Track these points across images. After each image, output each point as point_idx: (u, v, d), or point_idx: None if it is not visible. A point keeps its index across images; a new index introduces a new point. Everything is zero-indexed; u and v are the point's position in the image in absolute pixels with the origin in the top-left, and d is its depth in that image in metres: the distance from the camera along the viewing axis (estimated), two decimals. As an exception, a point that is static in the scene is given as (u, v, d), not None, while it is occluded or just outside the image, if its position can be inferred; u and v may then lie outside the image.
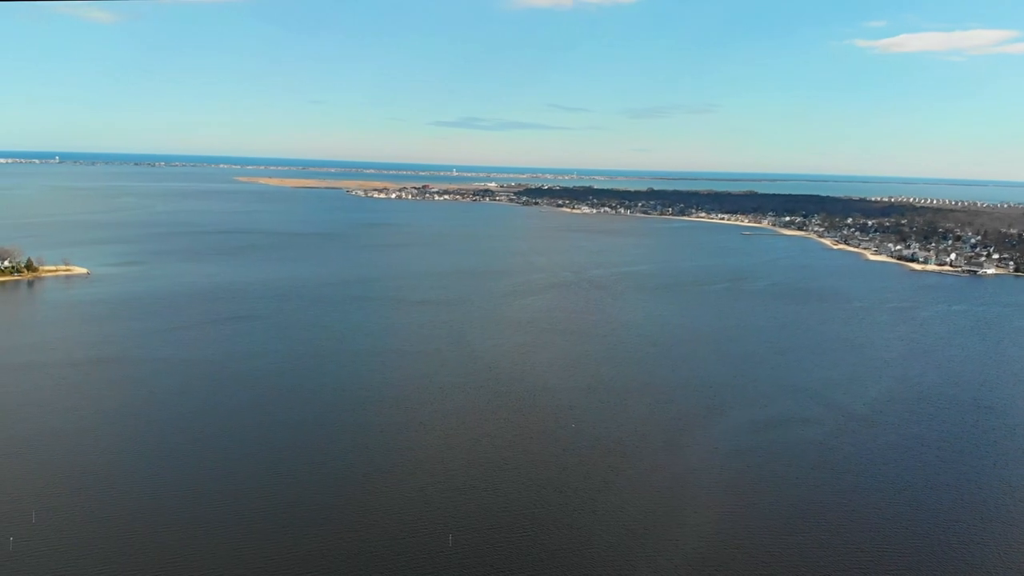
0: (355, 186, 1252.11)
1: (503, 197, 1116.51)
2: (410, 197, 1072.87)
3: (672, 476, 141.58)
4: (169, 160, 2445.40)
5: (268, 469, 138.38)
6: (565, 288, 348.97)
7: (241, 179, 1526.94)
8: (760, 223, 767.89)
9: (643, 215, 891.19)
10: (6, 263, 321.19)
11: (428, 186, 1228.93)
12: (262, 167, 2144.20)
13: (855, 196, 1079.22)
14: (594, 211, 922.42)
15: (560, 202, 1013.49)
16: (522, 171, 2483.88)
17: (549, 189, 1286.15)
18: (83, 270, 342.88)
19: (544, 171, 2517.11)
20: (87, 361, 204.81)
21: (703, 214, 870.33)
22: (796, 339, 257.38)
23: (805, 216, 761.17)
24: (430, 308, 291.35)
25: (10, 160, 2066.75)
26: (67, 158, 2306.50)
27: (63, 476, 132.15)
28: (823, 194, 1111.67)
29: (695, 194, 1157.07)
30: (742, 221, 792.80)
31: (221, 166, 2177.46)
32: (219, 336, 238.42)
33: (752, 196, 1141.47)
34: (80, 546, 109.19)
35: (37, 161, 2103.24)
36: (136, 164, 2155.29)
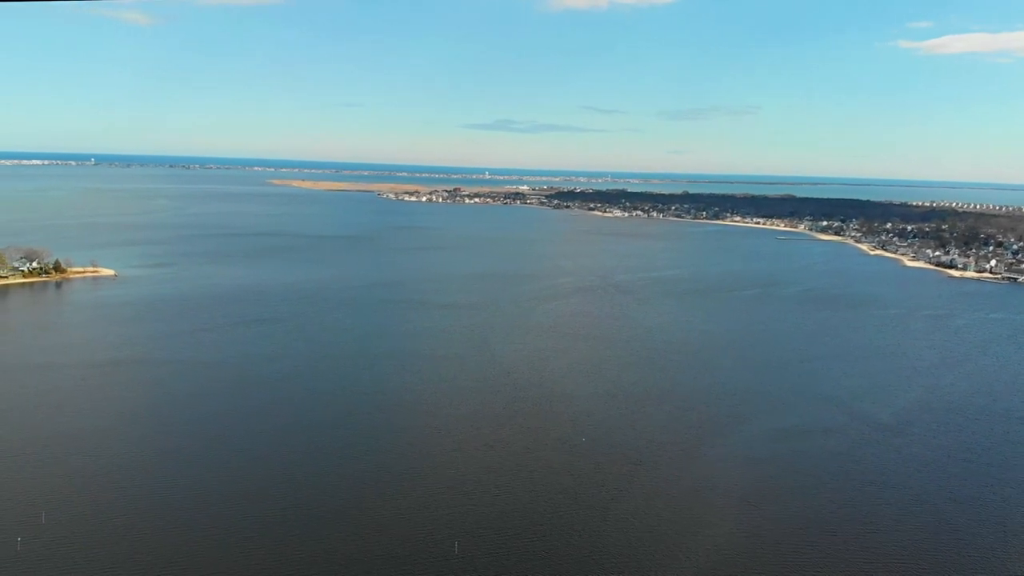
0: (386, 189, 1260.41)
1: (534, 200, 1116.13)
2: (441, 200, 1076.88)
3: (688, 486, 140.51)
4: (203, 163, 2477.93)
5: (279, 472, 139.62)
6: (590, 293, 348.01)
7: (274, 182, 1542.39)
8: (796, 228, 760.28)
9: (676, 219, 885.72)
10: (34, 264, 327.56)
11: (459, 189, 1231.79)
12: (296, 170, 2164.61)
13: (896, 201, 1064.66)
14: (626, 215, 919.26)
15: (592, 205, 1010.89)
16: (555, 174, 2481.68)
17: (581, 192, 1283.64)
18: (110, 271, 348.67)
19: (577, 174, 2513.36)
20: (108, 362, 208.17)
21: (738, 218, 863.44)
22: (825, 346, 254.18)
23: (843, 221, 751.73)
24: (453, 312, 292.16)
25: (46, 162, 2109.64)
26: (102, 160, 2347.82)
27: (76, 477, 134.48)
28: (863, 198, 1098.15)
29: (731, 198, 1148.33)
30: (778, 226, 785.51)
31: (255, 169, 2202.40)
32: (240, 338, 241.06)
33: (789, 200, 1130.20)
34: (88, 548, 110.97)
35: (73, 163, 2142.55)
36: (171, 166, 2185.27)
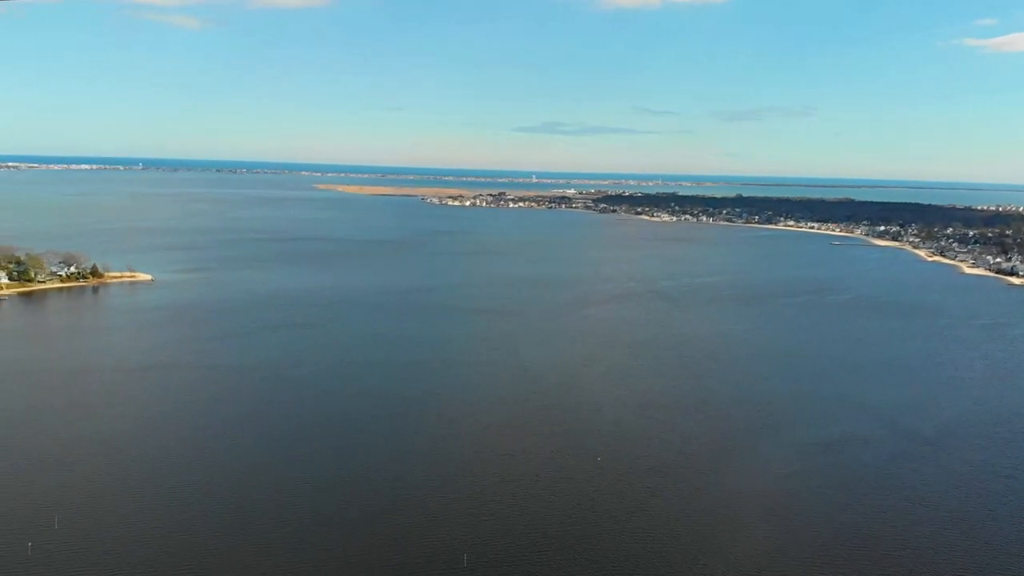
0: (431, 193, 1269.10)
1: (579, 204, 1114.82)
2: (485, 204, 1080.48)
3: (713, 499, 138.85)
4: (251, 167, 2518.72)
5: (296, 479, 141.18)
6: (630, 299, 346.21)
7: (320, 186, 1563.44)
8: (852, 232, 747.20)
9: (727, 223, 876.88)
10: (72, 269, 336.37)
11: (504, 193, 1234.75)
12: (342, 174, 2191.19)
13: (959, 204, 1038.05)
14: (674, 219, 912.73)
15: (639, 209, 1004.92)
16: (604, 177, 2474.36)
17: (630, 196, 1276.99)
18: (147, 276, 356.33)
19: (627, 177, 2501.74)
20: (137, 367, 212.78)
21: (791, 222, 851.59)
22: (871, 356, 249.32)
23: (902, 226, 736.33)
24: (486, 317, 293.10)
25: (94, 167, 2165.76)
26: (150, 164, 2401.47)
27: (93, 482, 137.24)
28: (924, 202, 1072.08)
29: (786, 201, 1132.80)
30: (833, 230, 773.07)
31: (302, 173, 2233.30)
32: (270, 344, 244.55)
33: (847, 204, 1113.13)
34: (100, 554, 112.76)
35: (121, 168, 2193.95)
36: (218, 171, 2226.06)
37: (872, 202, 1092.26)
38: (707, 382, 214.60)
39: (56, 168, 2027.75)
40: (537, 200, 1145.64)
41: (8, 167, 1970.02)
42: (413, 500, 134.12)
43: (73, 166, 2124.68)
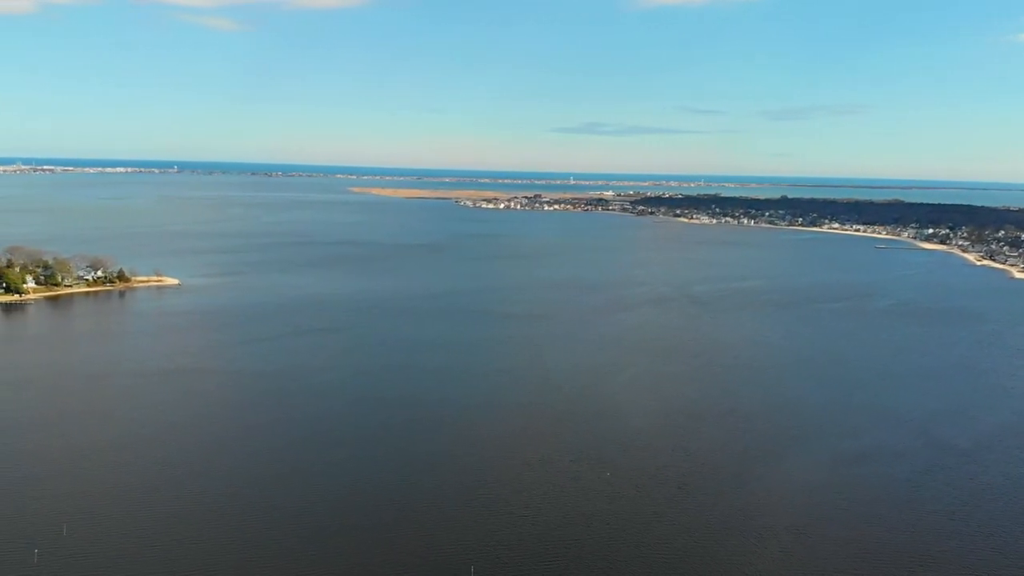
0: (465, 196, 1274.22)
1: (616, 206, 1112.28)
2: (519, 207, 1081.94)
3: (734, 511, 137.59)
4: (286, 170, 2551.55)
5: (310, 487, 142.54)
6: (662, 304, 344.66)
7: (354, 189, 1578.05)
8: (899, 236, 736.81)
9: (769, 226, 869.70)
10: (98, 273, 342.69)
11: (539, 195, 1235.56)
12: (377, 177, 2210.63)
13: (1013, 206, 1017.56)
14: (714, 221, 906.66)
15: (678, 211, 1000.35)
16: (644, 178, 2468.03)
17: (669, 198, 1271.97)
18: (174, 281, 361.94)
19: (668, 178, 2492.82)
20: (158, 372, 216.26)
21: (836, 225, 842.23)
22: (910, 364, 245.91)
23: (951, 228, 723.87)
24: (513, 322, 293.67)
25: (129, 170, 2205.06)
26: (185, 167, 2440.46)
27: (105, 489, 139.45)
28: (976, 204, 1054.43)
29: (832, 203, 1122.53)
30: (879, 233, 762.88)
31: (337, 176, 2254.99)
32: (294, 349, 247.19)
33: (896, 206, 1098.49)
34: (108, 563, 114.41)
35: (156, 171, 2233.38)
36: (252, 174, 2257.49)
37: (922, 204, 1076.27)
38: (736, 390, 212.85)
39: (91, 171, 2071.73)
40: (573, 202, 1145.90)
41: (44, 170, 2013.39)
42: (424, 509, 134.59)
43: (108, 169, 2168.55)
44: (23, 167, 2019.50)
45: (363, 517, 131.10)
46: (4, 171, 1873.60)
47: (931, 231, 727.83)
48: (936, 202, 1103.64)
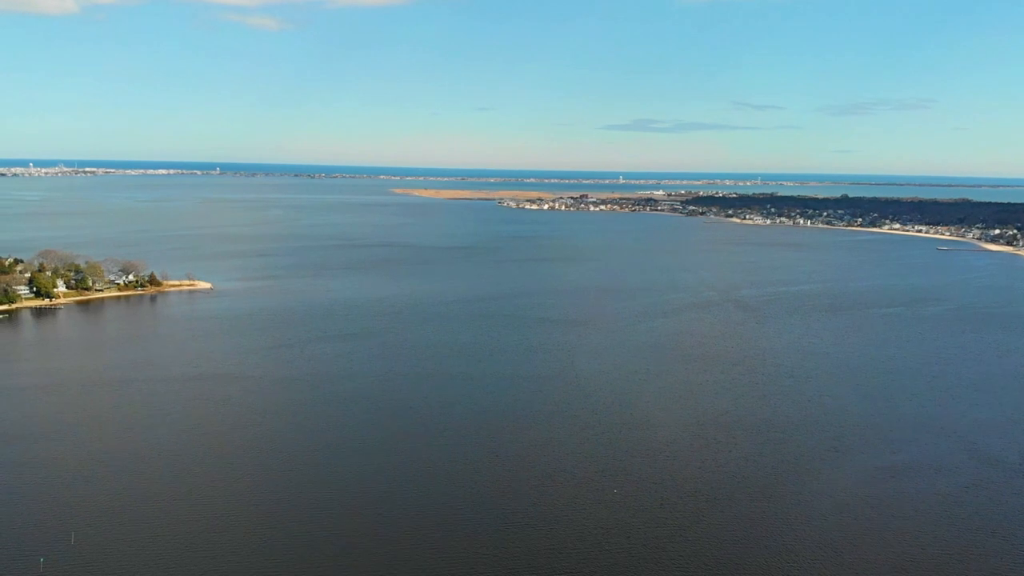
0: (508, 197, 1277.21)
1: (665, 207, 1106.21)
2: (564, 208, 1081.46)
3: (762, 526, 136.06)
4: (329, 171, 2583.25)
5: (318, 499, 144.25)
6: (705, 309, 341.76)
7: (396, 191, 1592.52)
8: (963, 237, 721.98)
9: (826, 226, 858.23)
10: (130, 277, 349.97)
11: (586, 195, 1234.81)
12: (421, 178, 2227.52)
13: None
14: (767, 222, 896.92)
15: (730, 212, 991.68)
16: (697, 177, 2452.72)
17: (722, 197, 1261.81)
18: (207, 284, 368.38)
19: (723, 176, 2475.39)
20: (182, 378, 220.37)
21: (897, 226, 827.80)
22: (962, 373, 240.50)
23: (1019, 229, 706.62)
24: (548, 328, 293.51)
25: (172, 171, 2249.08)
26: (228, 169, 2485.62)
27: (115, 498, 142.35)
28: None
29: (894, 202, 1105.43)
30: (942, 234, 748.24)
31: (380, 177, 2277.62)
32: (321, 354, 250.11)
33: (961, 205, 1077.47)
34: (113, 571, 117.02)
35: (199, 172, 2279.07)
36: (296, 176, 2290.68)
37: (989, 203, 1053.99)
38: (775, 400, 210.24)
39: (132, 173, 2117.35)
40: (620, 203, 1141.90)
41: (85, 172, 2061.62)
42: (436, 522, 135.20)
43: (150, 171, 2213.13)
44: (65, 169, 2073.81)
45: (376, 528, 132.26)
46: (46, 173, 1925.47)
47: (997, 232, 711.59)
48: (1005, 201, 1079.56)
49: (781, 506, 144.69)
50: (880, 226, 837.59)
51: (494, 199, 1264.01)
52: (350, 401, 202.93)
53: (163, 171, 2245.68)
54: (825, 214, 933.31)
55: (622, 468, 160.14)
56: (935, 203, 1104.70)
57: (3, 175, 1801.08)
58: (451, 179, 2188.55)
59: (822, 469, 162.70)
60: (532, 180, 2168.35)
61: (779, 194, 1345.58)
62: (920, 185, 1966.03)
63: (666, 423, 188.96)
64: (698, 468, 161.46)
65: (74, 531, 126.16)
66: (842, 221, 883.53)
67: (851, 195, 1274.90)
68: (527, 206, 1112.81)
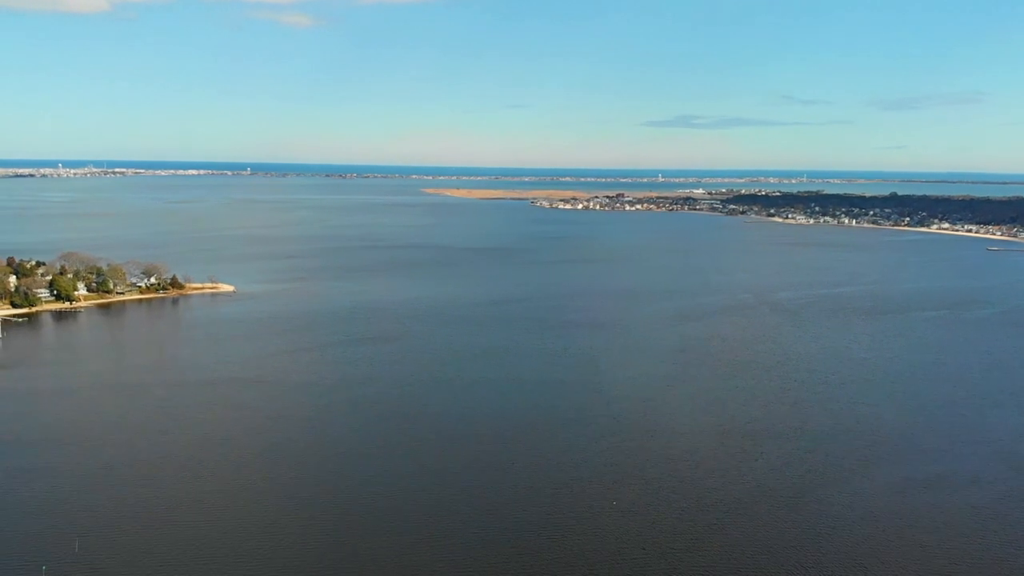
0: (542, 196, 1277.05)
1: (704, 206, 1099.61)
2: (599, 207, 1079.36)
3: (782, 539, 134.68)
4: (361, 171, 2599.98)
5: (326, 509, 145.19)
6: (739, 312, 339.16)
7: (428, 191, 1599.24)
8: (1015, 236, 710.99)
9: (872, 226, 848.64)
10: (151, 280, 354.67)
11: (622, 194, 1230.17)
12: (453, 177, 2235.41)
13: None
14: (811, 221, 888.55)
15: (772, 210, 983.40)
16: (741, 174, 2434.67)
17: (764, 195, 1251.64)
18: (229, 287, 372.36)
19: (767, 173, 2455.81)
20: (198, 383, 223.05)
21: (946, 225, 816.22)
22: (1005, 380, 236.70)
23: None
24: (573, 331, 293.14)
25: (202, 172, 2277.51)
26: (259, 169, 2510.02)
27: (122, 507, 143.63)
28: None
29: (945, 200, 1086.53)
30: (993, 234, 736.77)
31: (412, 177, 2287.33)
32: (340, 359, 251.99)
33: (1015, 203, 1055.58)
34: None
35: (229, 173, 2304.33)
36: (327, 176, 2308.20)
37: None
38: (806, 408, 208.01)
39: (162, 174, 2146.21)
40: (657, 202, 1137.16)
41: (115, 173, 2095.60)
42: (447, 533, 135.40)
43: (180, 171, 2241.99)
44: (94, 170, 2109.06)
45: (388, 537, 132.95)
46: (75, 174, 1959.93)
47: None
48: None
49: (805, 518, 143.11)
50: (928, 226, 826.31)
51: (527, 199, 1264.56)
52: (366, 407, 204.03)
53: (193, 172, 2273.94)
54: (871, 213, 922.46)
55: (639, 476, 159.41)
56: (987, 201, 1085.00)
57: (32, 176, 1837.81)
58: (484, 178, 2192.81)
59: (851, 480, 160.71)
60: (568, 179, 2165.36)
61: (825, 192, 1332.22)
62: (973, 182, 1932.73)
63: (690, 431, 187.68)
64: (720, 478, 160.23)
65: (78, 539, 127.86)
66: (889, 220, 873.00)
67: (900, 193, 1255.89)
68: (560, 206, 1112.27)
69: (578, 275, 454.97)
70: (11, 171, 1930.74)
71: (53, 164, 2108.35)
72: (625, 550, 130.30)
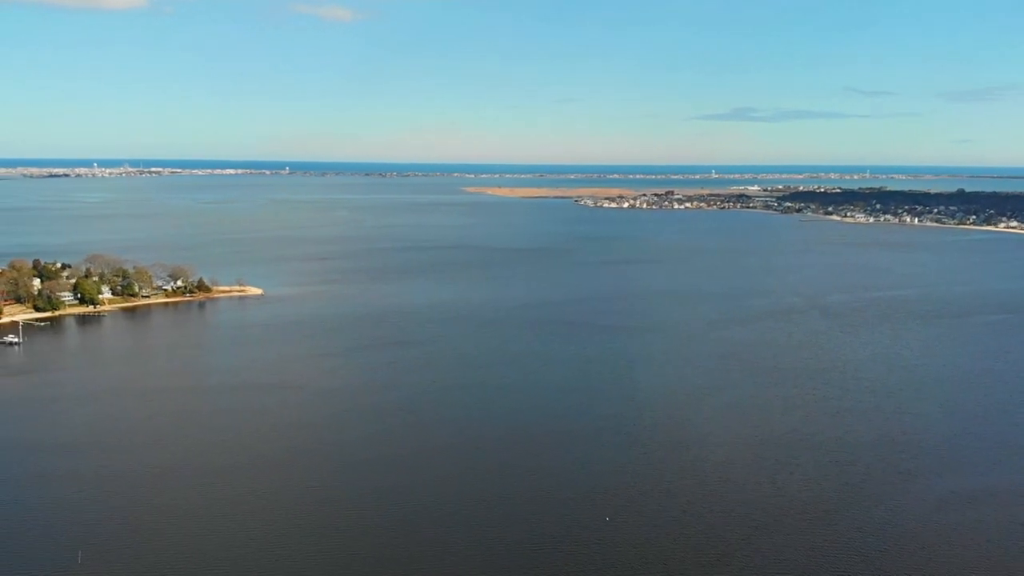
0: (588, 194, 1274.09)
1: (758, 203, 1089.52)
2: (646, 206, 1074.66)
3: (813, 555, 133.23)
4: (402, 170, 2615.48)
5: (339, 517, 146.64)
6: (787, 316, 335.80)
7: (469, 189, 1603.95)
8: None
9: (935, 224, 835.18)
10: (178, 283, 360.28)
11: (671, 192, 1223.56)
12: (496, 175, 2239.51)
13: None
14: (870, 220, 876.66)
15: (830, 208, 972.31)
16: (799, 170, 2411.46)
17: (823, 192, 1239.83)
18: (258, 290, 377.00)
19: (827, 169, 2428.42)
20: (219, 388, 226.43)
21: (1015, 223, 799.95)
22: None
23: None
24: (609, 336, 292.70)
25: (240, 171, 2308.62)
26: (298, 168, 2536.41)
27: (130, 516, 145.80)
28: None
29: (1015, 197, 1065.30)
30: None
31: (454, 175, 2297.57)
32: (365, 364, 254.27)
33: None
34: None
35: (268, 172, 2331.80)
36: (367, 175, 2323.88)
37: None
38: (849, 418, 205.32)
39: (199, 173, 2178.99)
40: (708, 199, 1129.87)
41: (151, 172, 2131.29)
42: (464, 544, 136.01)
43: (217, 171, 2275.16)
44: (130, 169, 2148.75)
45: (405, 547, 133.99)
46: (110, 174, 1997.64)
47: None
48: None
49: (840, 533, 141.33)
50: (995, 224, 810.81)
51: (571, 197, 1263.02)
52: (389, 413, 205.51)
53: (231, 171, 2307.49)
54: (935, 211, 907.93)
55: (664, 490, 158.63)
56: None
57: (67, 176, 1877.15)
58: (528, 176, 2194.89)
59: (890, 494, 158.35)
60: (616, 176, 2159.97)
61: (887, 188, 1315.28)
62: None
63: (724, 442, 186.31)
64: (752, 491, 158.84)
65: (81, 550, 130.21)
66: (953, 219, 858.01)
67: (968, 189, 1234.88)
68: (605, 204, 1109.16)
69: (619, 277, 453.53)
70: (46, 171, 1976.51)
71: (88, 163, 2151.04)
72: (646, 564, 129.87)
